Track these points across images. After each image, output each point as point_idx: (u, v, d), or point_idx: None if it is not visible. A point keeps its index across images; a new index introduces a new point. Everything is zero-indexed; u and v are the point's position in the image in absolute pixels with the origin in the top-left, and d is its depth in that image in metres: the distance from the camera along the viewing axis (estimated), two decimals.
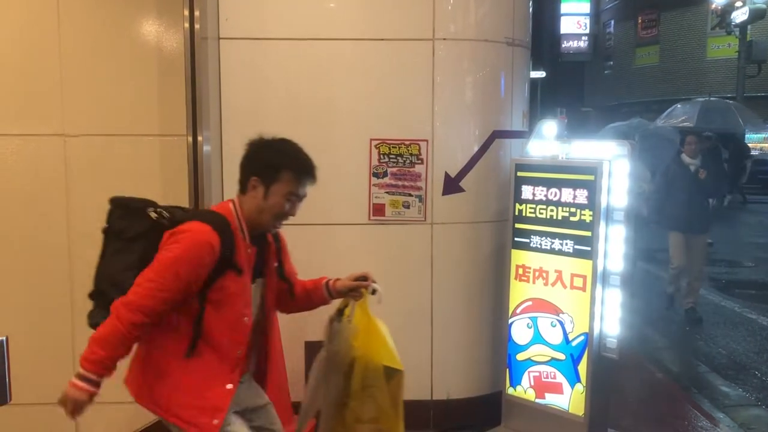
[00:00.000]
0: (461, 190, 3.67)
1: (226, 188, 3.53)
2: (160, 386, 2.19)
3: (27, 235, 3.51)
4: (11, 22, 3.42)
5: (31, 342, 3.50)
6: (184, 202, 3.25)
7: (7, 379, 0.87)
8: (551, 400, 3.51)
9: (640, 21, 28.49)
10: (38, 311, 3.54)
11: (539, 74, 28.66)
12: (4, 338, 0.87)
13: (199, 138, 3.23)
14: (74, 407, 2.06)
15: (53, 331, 3.55)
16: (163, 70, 3.48)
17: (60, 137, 3.45)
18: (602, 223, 3.30)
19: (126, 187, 3.52)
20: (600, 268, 3.32)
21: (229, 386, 2.22)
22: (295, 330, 3.57)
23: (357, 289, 2.55)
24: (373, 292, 2.56)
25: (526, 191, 3.56)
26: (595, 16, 30.80)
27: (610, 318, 3.36)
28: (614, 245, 3.32)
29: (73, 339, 3.55)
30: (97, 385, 2.05)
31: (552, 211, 3.46)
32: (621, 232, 3.31)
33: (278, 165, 2.22)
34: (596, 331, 3.36)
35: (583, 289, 3.37)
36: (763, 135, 26.05)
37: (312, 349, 3.62)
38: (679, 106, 12.42)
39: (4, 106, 3.45)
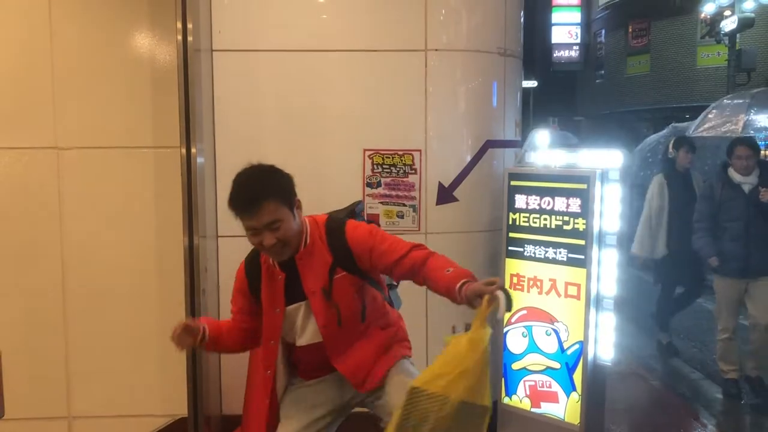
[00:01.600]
0: (455, 199, 3.68)
1: (219, 200, 3.53)
2: None
3: (20, 248, 3.50)
4: (3, 36, 3.42)
5: (25, 357, 3.48)
6: (177, 214, 3.25)
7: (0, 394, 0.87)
8: (547, 409, 3.51)
9: (630, 30, 28.70)
10: (31, 326, 3.52)
11: (531, 84, 28.81)
12: None
13: (193, 150, 3.23)
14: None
15: (46, 346, 3.53)
16: (156, 83, 3.48)
17: (53, 150, 3.45)
18: (596, 232, 3.31)
19: (119, 200, 3.54)
20: (594, 277, 3.33)
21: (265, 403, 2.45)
22: None
23: (481, 294, 2.02)
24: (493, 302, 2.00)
25: (520, 200, 3.57)
26: (586, 25, 31.03)
27: (606, 326, 3.37)
28: (608, 256, 3.34)
29: (66, 353, 3.54)
30: None
31: (545, 219, 3.47)
32: (614, 244, 3.33)
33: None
34: (591, 340, 3.37)
35: (578, 297, 3.38)
36: None
37: None
38: (726, 100, 9.72)
39: None
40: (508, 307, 2.02)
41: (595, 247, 3.32)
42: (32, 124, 3.46)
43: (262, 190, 2.14)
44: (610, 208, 3.34)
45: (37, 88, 3.43)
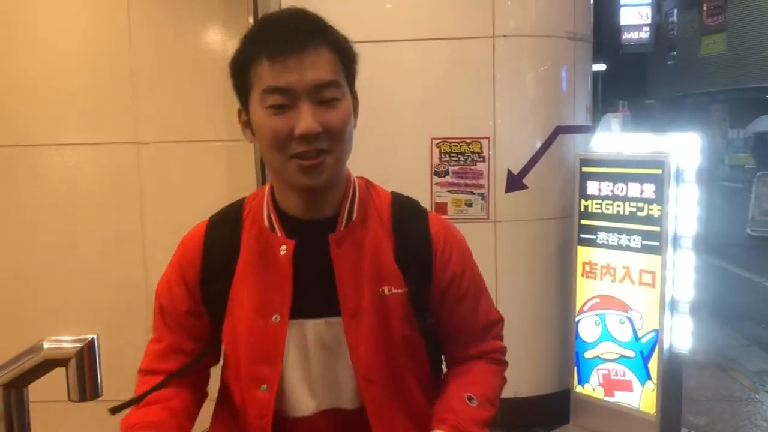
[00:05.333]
0: (524, 186, 3.64)
1: None
2: None
3: (103, 242, 3.64)
4: (86, 38, 3.58)
5: (111, 343, 3.63)
6: None
7: (99, 375, 0.94)
8: (621, 398, 3.45)
9: (705, 8, 27.56)
10: (117, 315, 3.66)
11: (600, 67, 28.05)
12: (95, 336, 0.94)
13: None
14: None
15: (129, 335, 3.68)
16: (228, 76, 3.56)
17: (133, 145, 3.59)
18: (671, 218, 3.23)
19: (195, 193, 3.65)
20: (669, 264, 3.24)
21: None
22: None
23: None
24: None
25: (592, 187, 3.51)
26: (657, 5, 29.96)
27: (682, 312, 3.29)
28: (684, 240, 3.25)
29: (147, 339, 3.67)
30: None
31: (619, 206, 3.40)
32: (692, 227, 3.24)
33: (244, 61, 1.25)
34: (667, 328, 3.29)
35: (653, 285, 3.30)
36: None
37: None
38: None
39: (78, 118, 3.58)
40: None
41: (670, 236, 3.23)
42: (113, 120, 3.59)
43: (322, 30, 1.26)
44: (686, 194, 3.24)
45: (117, 87, 3.55)
